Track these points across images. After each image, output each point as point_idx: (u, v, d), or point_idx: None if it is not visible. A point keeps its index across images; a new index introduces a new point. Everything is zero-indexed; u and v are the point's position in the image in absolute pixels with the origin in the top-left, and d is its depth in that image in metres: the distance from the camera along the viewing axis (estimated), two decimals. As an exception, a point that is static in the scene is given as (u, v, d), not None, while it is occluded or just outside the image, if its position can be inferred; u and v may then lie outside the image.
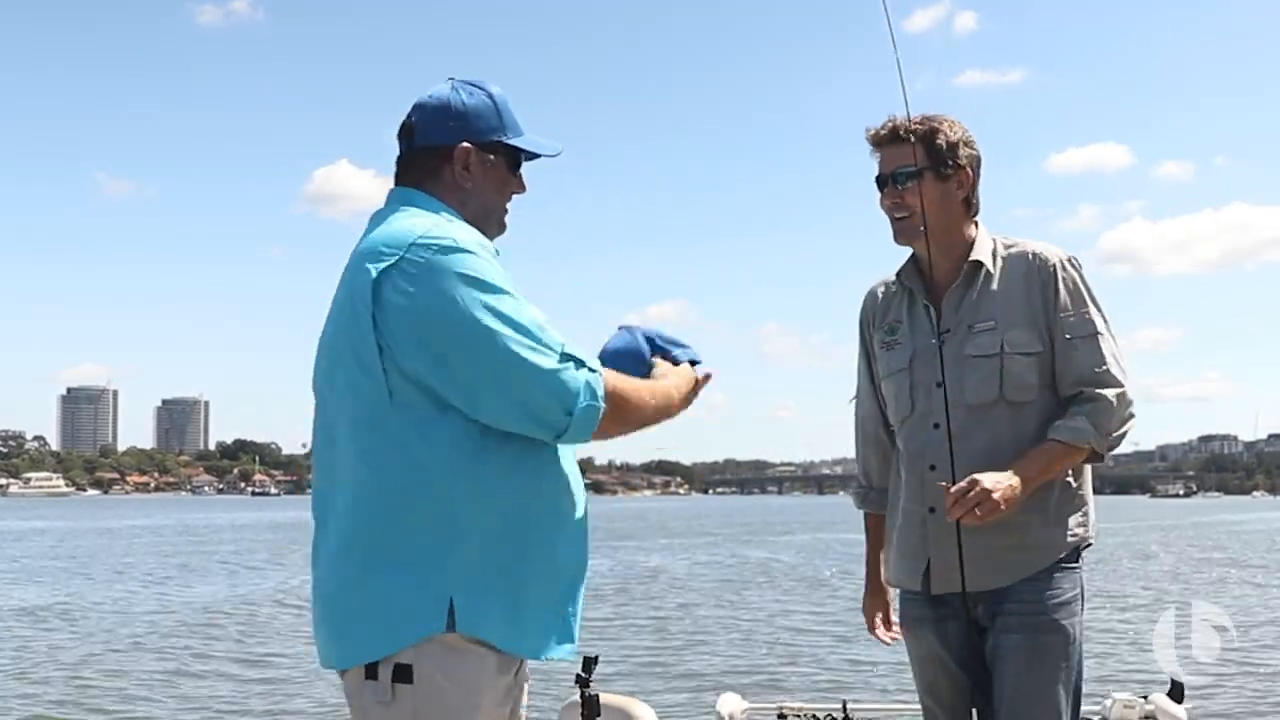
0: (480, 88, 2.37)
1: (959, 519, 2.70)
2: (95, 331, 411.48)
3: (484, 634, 2.16)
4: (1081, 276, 2.91)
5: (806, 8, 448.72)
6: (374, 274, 2.14)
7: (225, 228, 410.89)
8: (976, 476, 2.70)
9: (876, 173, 2.97)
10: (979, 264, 2.94)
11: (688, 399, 2.41)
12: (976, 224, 2.99)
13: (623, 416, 2.27)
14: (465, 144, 2.33)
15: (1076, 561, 2.92)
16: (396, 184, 2.38)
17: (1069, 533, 2.89)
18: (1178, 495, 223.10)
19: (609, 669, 11.07)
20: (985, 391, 2.85)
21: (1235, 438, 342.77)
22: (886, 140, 2.95)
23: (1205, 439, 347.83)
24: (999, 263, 2.94)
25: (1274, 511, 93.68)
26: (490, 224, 2.38)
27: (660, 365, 2.45)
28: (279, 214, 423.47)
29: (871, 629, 3.24)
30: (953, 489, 2.71)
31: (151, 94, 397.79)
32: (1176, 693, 4.03)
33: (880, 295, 3.13)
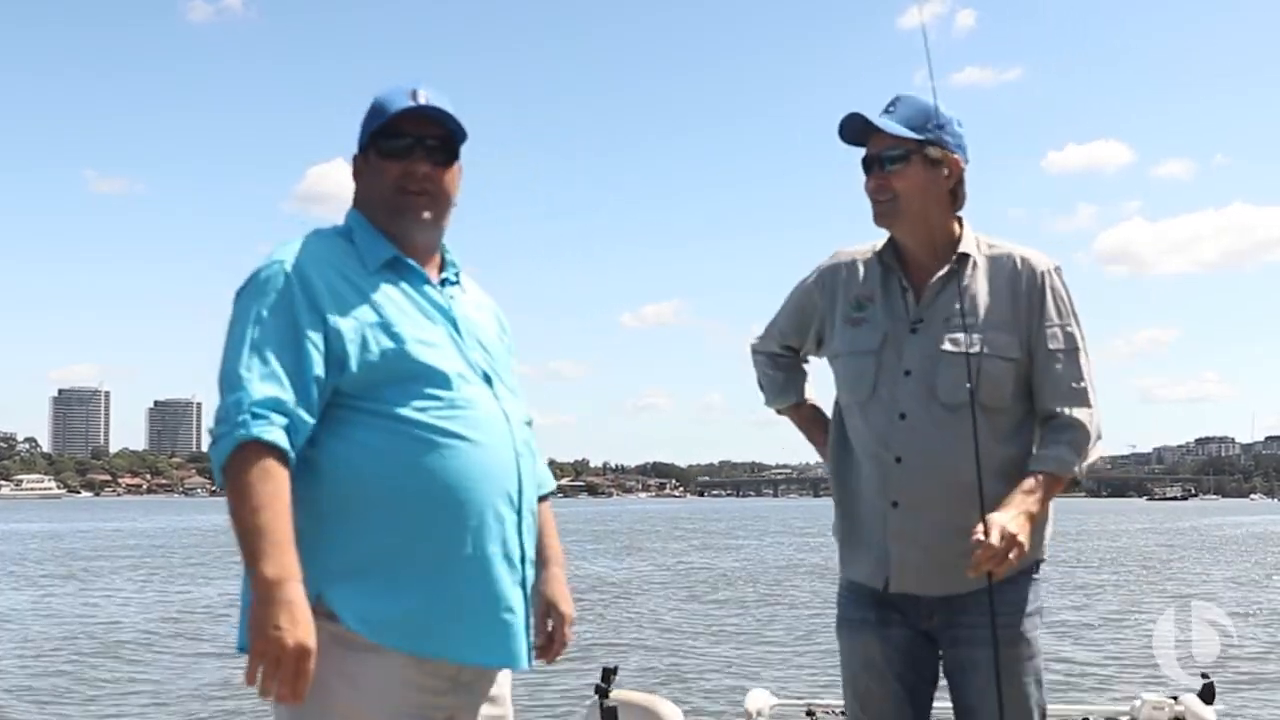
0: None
1: (989, 570, 2.60)
2: (87, 332, 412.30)
3: (357, 626, 2.08)
4: (1066, 288, 2.87)
5: (805, 7, 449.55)
6: None
7: (215, 226, 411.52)
8: (1006, 528, 2.59)
9: (863, 154, 2.86)
10: (966, 256, 2.84)
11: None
12: (961, 221, 2.89)
13: (228, 486, 2.10)
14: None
15: (1036, 573, 2.86)
16: None
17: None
18: (1175, 498, 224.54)
19: (635, 666, 11.51)
20: (958, 390, 2.74)
21: (1232, 440, 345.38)
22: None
23: (1202, 441, 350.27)
24: (983, 261, 2.87)
25: (1274, 514, 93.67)
26: None
27: None
28: (270, 212, 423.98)
29: None
30: (989, 541, 2.57)
31: (141, 91, 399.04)
32: (1207, 694, 3.79)
33: (852, 263, 2.97)
